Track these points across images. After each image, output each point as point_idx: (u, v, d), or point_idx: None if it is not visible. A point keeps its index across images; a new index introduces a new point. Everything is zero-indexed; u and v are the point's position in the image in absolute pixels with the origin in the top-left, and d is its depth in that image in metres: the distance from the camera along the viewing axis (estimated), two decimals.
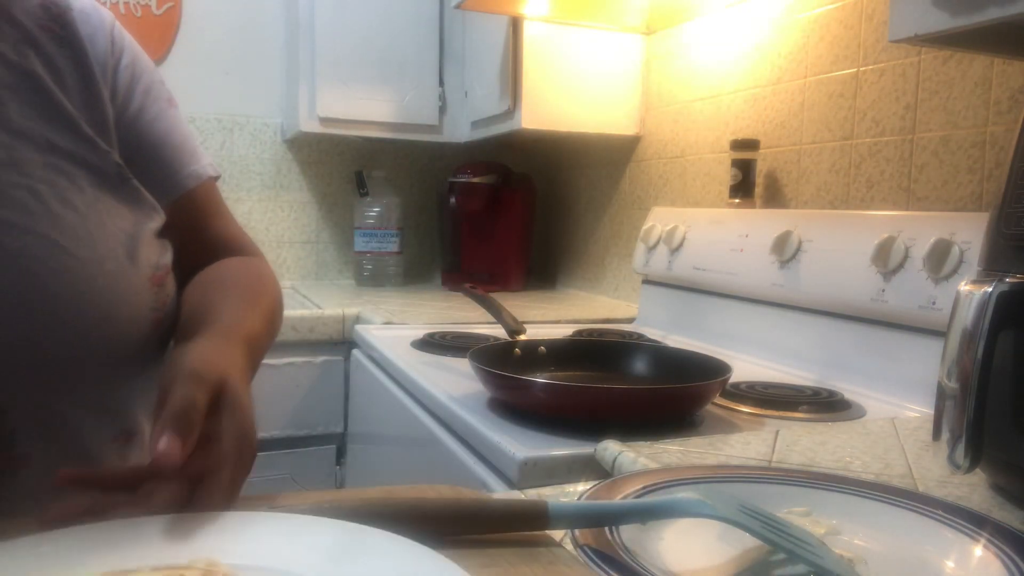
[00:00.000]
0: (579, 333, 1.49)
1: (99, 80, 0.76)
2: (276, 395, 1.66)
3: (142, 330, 0.73)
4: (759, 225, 1.34)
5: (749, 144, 1.48)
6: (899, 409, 1.01)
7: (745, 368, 1.23)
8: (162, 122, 0.81)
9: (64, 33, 0.75)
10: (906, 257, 1.05)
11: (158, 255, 0.76)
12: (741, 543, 0.54)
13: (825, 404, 1.00)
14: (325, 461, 1.72)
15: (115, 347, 0.71)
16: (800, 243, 1.24)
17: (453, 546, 0.48)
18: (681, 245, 1.52)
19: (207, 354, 0.59)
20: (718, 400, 1.00)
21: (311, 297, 1.96)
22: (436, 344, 1.35)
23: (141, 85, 0.80)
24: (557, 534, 0.54)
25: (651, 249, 1.62)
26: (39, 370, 0.66)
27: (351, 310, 1.72)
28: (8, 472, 0.66)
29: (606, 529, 0.50)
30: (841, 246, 1.17)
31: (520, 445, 0.82)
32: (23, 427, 0.67)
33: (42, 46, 0.73)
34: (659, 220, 1.63)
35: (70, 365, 0.68)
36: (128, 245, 0.73)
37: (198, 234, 0.85)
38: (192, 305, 0.76)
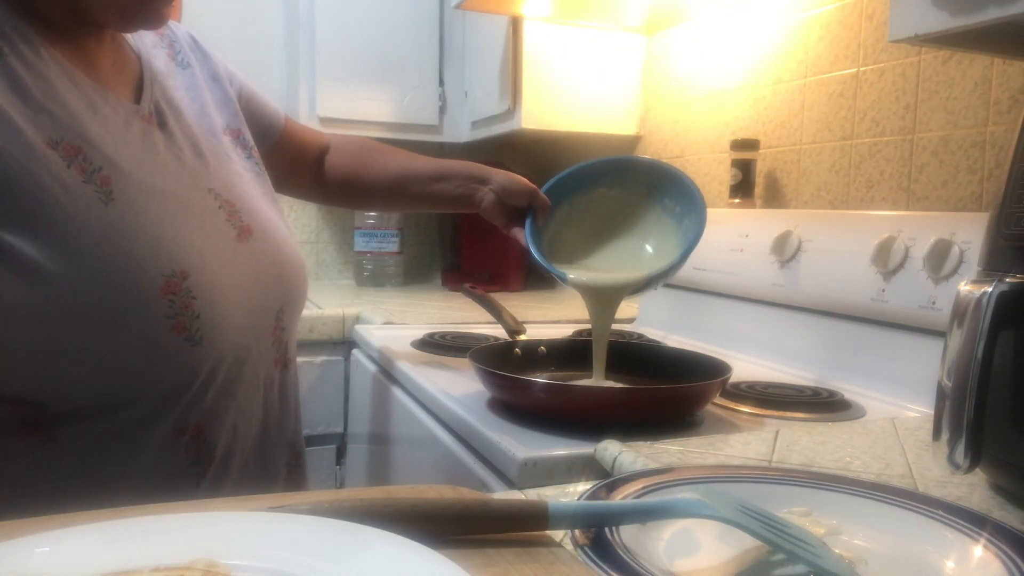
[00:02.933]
0: (579, 333, 1.49)
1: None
2: None
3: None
4: (759, 225, 1.34)
5: (749, 144, 1.48)
6: (899, 409, 1.01)
7: (745, 368, 1.23)
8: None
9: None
10: (906, 257, 1.05)
11: None
12: (741, 543, 0.54)
13: (825, 404, 1.00)
14: (325, 461, 1.72)
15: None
16: (800, 243, 1.24)
17: (453, 546, 0.48)
18: None
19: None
20: (718, 400, 1.00)
21: (311, 297, 1.96)
22: (436, 344, 1.35)
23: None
24: (557, 534, 0.54)
25: None
26: (277, 319, 0.87)
27: (351, 310, 1.72)
28: None
29: (606, 529, 0.50)
30: (841, 246, 1.17)
31: (520, 445, 0.82)
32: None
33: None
34: None
35: (292, 313, 0.91)
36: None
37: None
38: (372, 163, 1.21)
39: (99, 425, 0.73)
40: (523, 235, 1.09)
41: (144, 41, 0.91)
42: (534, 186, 1.12)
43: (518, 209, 1.12)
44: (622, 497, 0.55)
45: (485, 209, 1.13)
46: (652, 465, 0.70)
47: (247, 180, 0.93)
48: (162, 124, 0.84)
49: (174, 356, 0.74)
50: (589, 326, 1.58)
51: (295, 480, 0.94)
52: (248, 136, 0.99)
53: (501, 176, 1.14)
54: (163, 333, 0.73)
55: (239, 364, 0.81)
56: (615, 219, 1.13)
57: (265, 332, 0.86)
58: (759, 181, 1.50)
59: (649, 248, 1.10)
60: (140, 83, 0.86)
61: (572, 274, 1.04)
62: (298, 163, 1.18)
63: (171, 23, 0.95)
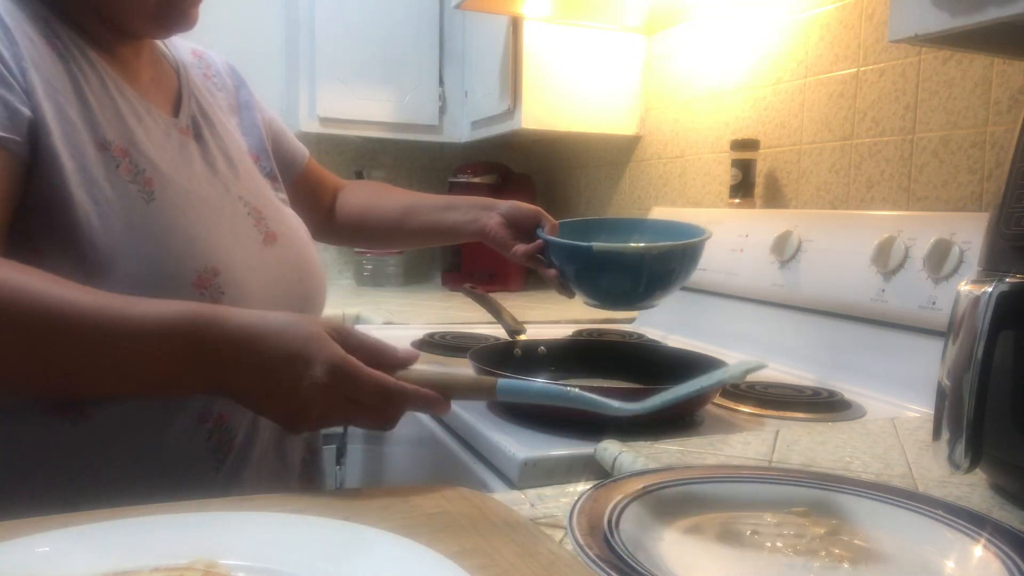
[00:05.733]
0: (579, 333, 1.49)
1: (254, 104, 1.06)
2: None
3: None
4: (759, 225, 1.34)
5: (749, 144, 1.48)
6: (899, 409, 1.01)
7: None
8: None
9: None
10: (906, 257, 1.05)
11: None
12: (741, 543, 0.54)
13: (825, 404, 1.00)
14: (325, 461, 1.71)
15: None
16: (800, 243, 1.24)
17: (453, 546, 0.48)
18: None
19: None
20: (718, 400, 1.00)
21: None
22: (436, 344, 1.35)
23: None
24: (557, 534, 0.54)
25: None
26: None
27: (351, 310, 1.72)
28: None
29: (606, 529, 0.50)
30: (841, 246, 1.17)
31: (520, 445, 0.82)
32: None
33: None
34: None
35: (312, 315, 0.92)
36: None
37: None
38: (381, 202, 1.25)
39: (129, 405, 0.77)
40: (527, 248, 1.11)
41: (182, 58, 0.98)
42: (540, 208, 1.16)
43: (522, 234, 1.15)
44: (621, 497, 0.55)
45: (491, 231, 1.16)
46: (652, 465, 0.70)
47: (271, 192, 0.99)
48: (198, 136, 0.91)
49: None
50: (589, 326, 1.58)
51: (310, 474, 0.98)
52: (271, 165, 1.05)
53: (507, 203, 1.17)
54: None
55: None
56: None
57: None
58: (759, 181, 1.50)
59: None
60: (178, 97, 0.92)
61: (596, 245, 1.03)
62: (314, 201, 1.23)
63: (210, 52, 1.05)
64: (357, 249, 2.32)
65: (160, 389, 0.69)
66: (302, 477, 0.96)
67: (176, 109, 0.91)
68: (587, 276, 1.06)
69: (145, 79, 0.89)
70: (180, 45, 0.99)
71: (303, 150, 1.20)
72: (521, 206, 1.16)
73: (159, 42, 0.94)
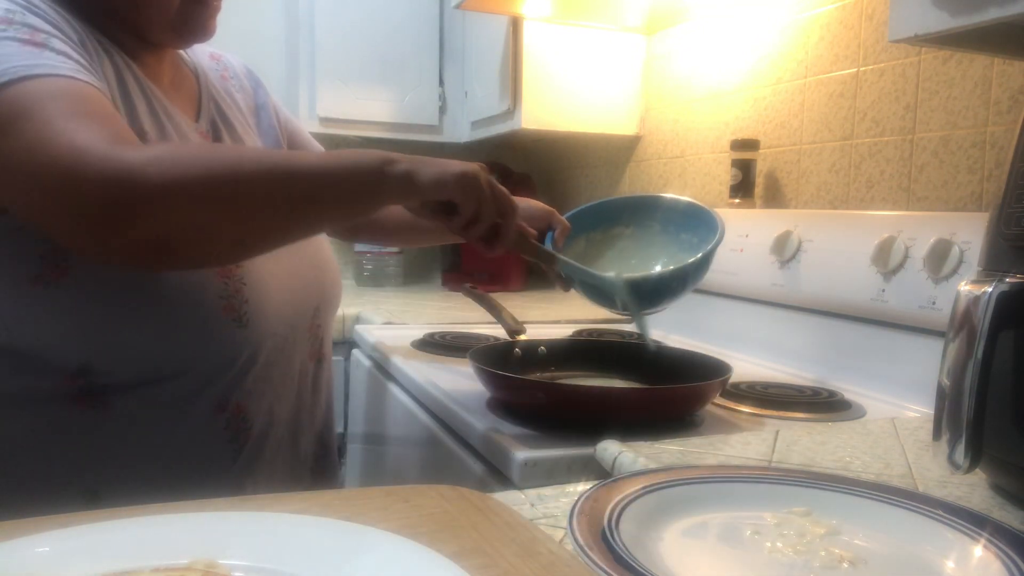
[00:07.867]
0: (579, 333, 1.49)
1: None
2: None
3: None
4: (759, 225, 1.34)
5: (749, 144, 1.48)
6: (899, 409, 1.01)
7: (745, 368, 1.23)
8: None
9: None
10: (906, 257, 1.05)
11: None
12: (741, 543, 0.54)
13: (825, 404, 1.00)
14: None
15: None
16: (800, 243, 1.24)
17: (453, 546, 0.48)
18: None
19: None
20: (718, 400, 1.00)
21: None
22: (436, 344, 1.35)
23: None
24: (557, 534, 0.54)
25: None
26: (314, 315, 0.95)
27: (351, 310, 1.72)
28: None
29: (605, 529, 0.50)
30: (841, 246, 1.17)
31: (520, 445, 0.82)
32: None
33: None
34: None
35: (327, 312, 1.00)
36: None
37: None
38: None
39: (149, 395, 0.79)
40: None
41: (200, 62, 1.00)
42: (552, 208, 1.14)
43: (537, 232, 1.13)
44: (621, 497, 0.55)
45: None
46: (652, 465, 0.70)
47: None
48: (217, 139, 0.93)
49: (222, 334, 0.81)
50: (589, 326, 1.58)
51: (322, 470, 1.00)
52: None
53: (518, 201, 1.15)
54: (215, 312, 0.80)
55: (277, 351, 0.88)
56: (633, 256, 1.13)
57: (302, 326, 0.93)
58: (759, 181, 1.50)
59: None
60: (198, 100, 0.95)
61: (611, 272, 1.01)
62: None
63: (228, 55, 1.08)
64: (357, 248, 2.32)
65: (364, 196, 0.77)
66: (314, 472, 0.97)
67: (196, 113, 0.93)
68: (599, 294, 1.05)
69: (166, 83, 0.91)
70: (198, 49, 1.01)
71: (317, 148, 1.20)
72: (532, 206, 1.13)
73: None
